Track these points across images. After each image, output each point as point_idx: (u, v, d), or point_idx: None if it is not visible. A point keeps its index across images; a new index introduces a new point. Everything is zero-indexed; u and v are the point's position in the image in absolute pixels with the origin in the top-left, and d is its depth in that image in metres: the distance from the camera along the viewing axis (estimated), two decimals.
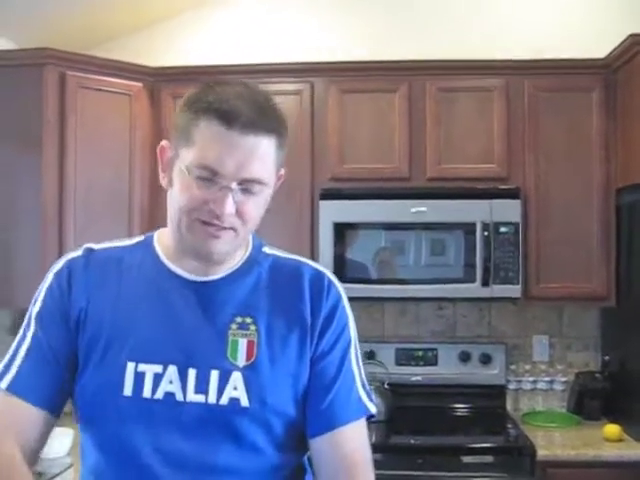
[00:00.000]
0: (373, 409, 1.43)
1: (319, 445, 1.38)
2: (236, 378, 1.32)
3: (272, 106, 1.33)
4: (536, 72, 3.51)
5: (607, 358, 3.59)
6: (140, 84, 3.59)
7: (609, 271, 3.44)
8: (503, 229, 3.35)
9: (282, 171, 1.40)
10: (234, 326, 1.35)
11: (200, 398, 1.31)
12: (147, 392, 1.31)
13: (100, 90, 3.45)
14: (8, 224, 3.30)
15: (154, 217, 3.60)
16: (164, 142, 1.41)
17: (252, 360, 1.34)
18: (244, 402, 1.31)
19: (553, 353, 3.78)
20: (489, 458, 3.05)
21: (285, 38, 3.95)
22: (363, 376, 1.44)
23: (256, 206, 1.33)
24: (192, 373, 1.32)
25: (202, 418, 1.30)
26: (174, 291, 1.38)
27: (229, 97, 1.28)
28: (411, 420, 3.56)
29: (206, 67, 3.64)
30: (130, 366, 1.32)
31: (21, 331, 1.43)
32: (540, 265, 3.44)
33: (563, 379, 3.71)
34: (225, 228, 1.30)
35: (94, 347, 1.35)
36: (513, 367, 3.78)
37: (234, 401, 1.31)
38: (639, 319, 3.25)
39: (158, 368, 1.32)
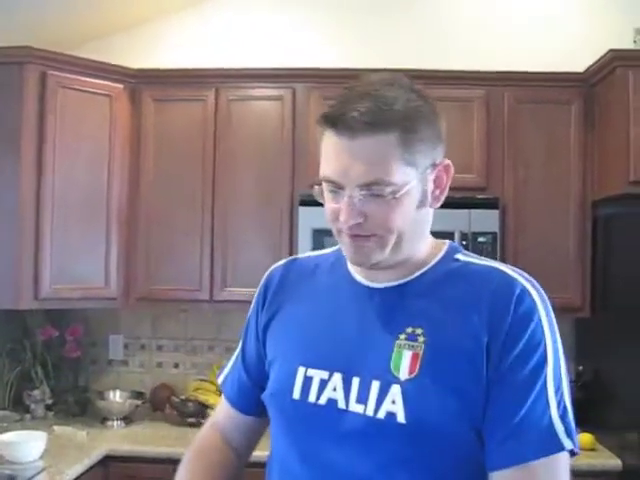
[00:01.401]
0: (569, 445, 1.21)
1: None
2: (395, 392, 1.23)
3: (397, 99, 1.22)
4: (516, 84, 3.54)
5: (581, 368, 3.62)
6: (121, 85, 3.57)
7: (584, 282, 3.48)
8: (481, 239, 3.37)
9: (440, 161, 1.30)
10: (403, 336, 1.27)
11: (360, 408, 1.26)
12: (312, 397, 1.31)
13: (80, 90, 3.45)
14: None
15: (132, 219, 3.59)
16: None
17: (415, 374, 1.23)
18: (400, 418, 1.21)
19: None
20: None
21: (267, 43, 3.95)
22: (566, 404, 1.23)
23: (391, 209, 1.23)
24: (356, 382, 1.27)
25: (358, 429, 1.25)
26: (352, 297, 1.36)
27: (347, 100, 1.22)
28: None
29: (188, 70, 3.65)
30: (301, 370, 1.33)
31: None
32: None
33: None
34: (367, 236, 1.25)
35: (278, 351, 1.41)
36: None
37: (390, 416, 1.22)
38: (613, 330, 3.29)
39: (325, 374, 1.31)
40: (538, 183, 3.50)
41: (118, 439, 3.33)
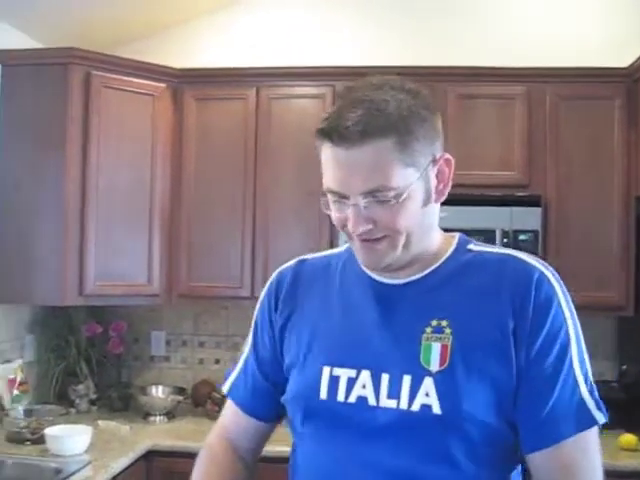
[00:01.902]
0: (601, 419, 1.27)
1: (538, 462, 1.27)
2: (428, 384, 1.25)
3: (389, 102, 1.22)
4: (558, 80, 3.50)
5: (624, 368, 3.57)
6: (164, 85, 3.62)
7: (628, 280, 3.43)
8: (522, 237, 3.34)
9: (439, 155, 1.30)
10: (429, 329, 1.29)
11: (392, 403, 1.27)
12: (341, 396, 1.31)
13: (124, 90, 3.49)
14: (30, 221, 3.34)
15: (174, 216, 3.63)
16: None
17: (445, 365, 1.26)
18: (436, 409, 1.24)
19: None
20: None
21: (308, 41, 3.96)
22: (590, 379, 1.28)
23: (395, 212, 1.24)
24: (385, 378, 1.29)
25: (393, 424, 1.27)
26: (370, 295, 1.37)
27: (341, 110, 1.23)
28: None
29: (229, 69, 3.68)
30: (326, 370, 1.33)
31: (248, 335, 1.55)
32: (559, 273, 3.41)
33: None
34: (377, 239, 1.27)
35: (298, 353, 1.40)
36: None
37: (425, 408, 1.25)
38: None
39: (352, 372, 1.31)
40: (581, 180, 3.46)
41: (160, 434, 3.37)
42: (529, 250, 3.29)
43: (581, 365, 1.28)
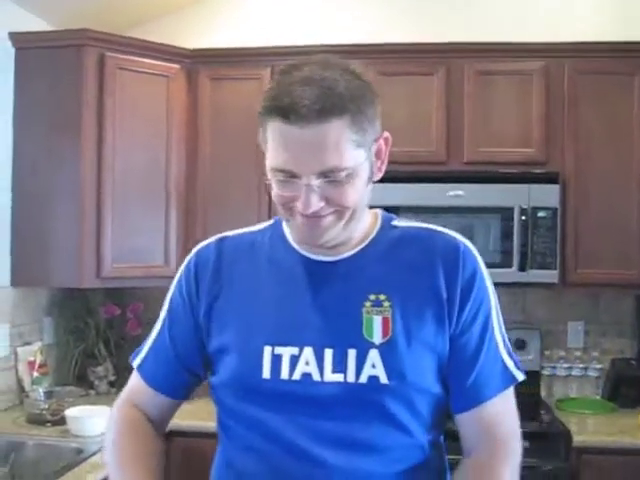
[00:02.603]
0: (520, 376, 1.40)
1: (465, 420, 1.38)
2: (373, 356, 1.29)
3: (339, 82, 1.22)
4: (576, 55, 3.45)
5: None
6: (178, 66, 3.60)
7: None
8: (541, 214, 3.31)
9: (384, 134, 1.34)
10: (368, 304, 1.33)
11: (338, 377, 1.29)
12: (285, 374, 1.32)
13: (138, 72, 3.48)
14: (46, 204, 3.35)
15: (191, 199, 3.63)
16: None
17: (388, 337, 1.31)
18: (383, 379, 1.29)
19: (587, 340, 3.75)
20: (525, 443, 3.00)
21: (321, 20, 3.93)
22: (507, 342, 1.40)
23: (346, 189, 1.26)
24: (328, 353, 1.31)
25: (342, 397, 1.29)
26: (304, 272, 1.38)
27: (290, 88, 1.21)
28: None
29: (243, 49, 3.66)
30: (267, 350, 1.33)
31: (161, 310, 1.53)
32: (578, 251, 3.41)
33: (598, 366, 3.67)
34: (324, 216, 1.28)
35: (231, 334, 1.38)
36: (547, 353, 3.75)
37: (373, 379, 1.29)
38: None
39: (294, 350, 1.32)
40: (600, 157, 3.42)
41: (180, 414, 3.31)
42: (548, 227, 3.28)
43: (500, 329, 1.39)
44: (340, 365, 1.30)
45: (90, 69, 3.34)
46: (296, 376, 1.31)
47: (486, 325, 1.36)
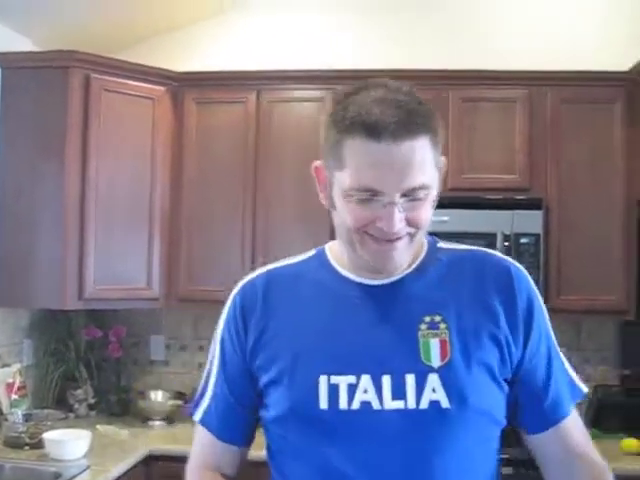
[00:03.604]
0: (585, 389, 1.42)
1: (543, 440, 1.37)
2: (433, 380, 1.26)
3: (417, 102, 1.23)
4: (559, 83, 3.49)
5: (627, 372, 3.56)
6: (163, 88, 3.61)
7: (630, 284, 3.41)
8: (524, 240, 3.33)
9: (443, 159, 1.32)
10: (423, 326, 1.30)
11: (399, 405, 1.26)
12: (343, 403, 1.27)
13: (123, 93, 3.48)
14: (30, 224, 3.33)
15: (174, 220, 3.62)
16: (317, 163, 1.36)
17: (447, 359, 1.27)
18: (445, 404, 1.25)
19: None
20: (508, 470, 3.02)
21: (309, 44, 3.95)
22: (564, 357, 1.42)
23: (425, 210, 1.26)
24: (386, 380, 1.27)
25: (403, 424, 1.25)
26: (354, 298, 1.35)
27: (371, 106, 1.20)
28: None
29: (229, 72, 3.67)
30: (323, 379, 1.29)
31: (210, 353, 1.46)
32: (561, 277, 3.42)
33: None
34: (400, 238, 1.26)
35: (283, 367, 1.33)
36: None
37: (434, 404, 1.25)
38: None
39: (351, 379, 1.28)
40: (582, 183, 3.45)
41: (160, 439, 3.36)
42: (531, 253, 3.29)
43: (558, 346, 1.40)
44: (399, 391, 1.26)
45: (76, 90, 3.34)
46: (355, 405, 1.27)
47: (550, 344, 1.37)
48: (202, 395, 1.46)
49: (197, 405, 1.46)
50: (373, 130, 1.19)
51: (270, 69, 3.65)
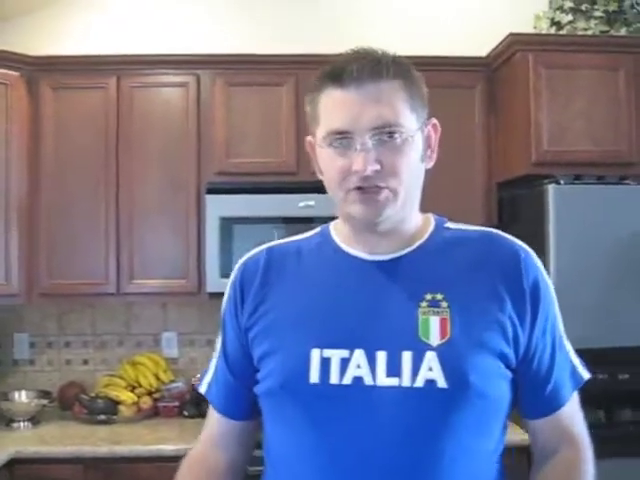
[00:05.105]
0: (587, 375, 1.40)
1: (543, 426, 1.37)
2: (431, 358, 1.23)
3: (390, 56, 1.30)
4: (420, 68, 3.52)
5: None
6: (17, 73, 3.43)
7: None
8: None
9: (432, 121, 1.35)
10: (424, 304, 1.27)
11: (393, 381, 1.23)
12: (334, 378, 1.25)
13: None
14: None
15: (32, 211, 3.47)
16: (309, 137, 1.38)
17: (447, 338, 1.25)
18: (441, 383, 1.22)
19: None
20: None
21: (172, 29, 3.86)
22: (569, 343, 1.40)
23: (401, 156, 1.26)
24: (381, 356, 1.24)
25: (396, 402, 1.22)
26: (355, 273, 1.34)
27: (343, 63, 1.26)
28: None
29: (87, 57, 3.55)
30: (315, 353, 1.26)
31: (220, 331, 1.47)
32: None
33: None
34: (379, 187, 1.25)
35: (274, 337, 1.33)
36: None
37: (430, 383, 1.22)
38: None
39: (344, 353, 1.26)
40: (446, 166, 3.52)
41: (24, 441, 3.21)
42: None
43: (564, 331, 1.38)
44: (394, 368, 1.24)
45: None
46: (346, 380, 1.25)
47: (556, 332, 1.36)
48: (207, 369, 1.49)
49: (202, 378, 1.50)
50: (338, 77, 1.25)
51: (131, 53, 3.54)
